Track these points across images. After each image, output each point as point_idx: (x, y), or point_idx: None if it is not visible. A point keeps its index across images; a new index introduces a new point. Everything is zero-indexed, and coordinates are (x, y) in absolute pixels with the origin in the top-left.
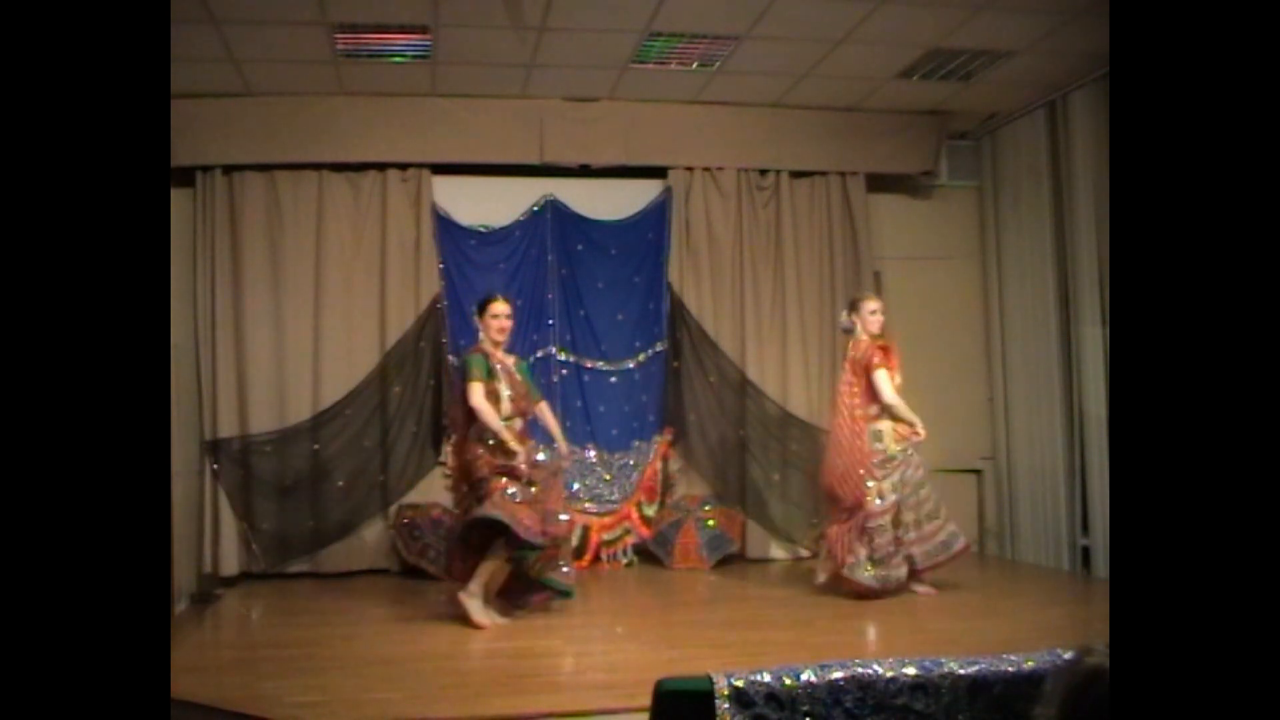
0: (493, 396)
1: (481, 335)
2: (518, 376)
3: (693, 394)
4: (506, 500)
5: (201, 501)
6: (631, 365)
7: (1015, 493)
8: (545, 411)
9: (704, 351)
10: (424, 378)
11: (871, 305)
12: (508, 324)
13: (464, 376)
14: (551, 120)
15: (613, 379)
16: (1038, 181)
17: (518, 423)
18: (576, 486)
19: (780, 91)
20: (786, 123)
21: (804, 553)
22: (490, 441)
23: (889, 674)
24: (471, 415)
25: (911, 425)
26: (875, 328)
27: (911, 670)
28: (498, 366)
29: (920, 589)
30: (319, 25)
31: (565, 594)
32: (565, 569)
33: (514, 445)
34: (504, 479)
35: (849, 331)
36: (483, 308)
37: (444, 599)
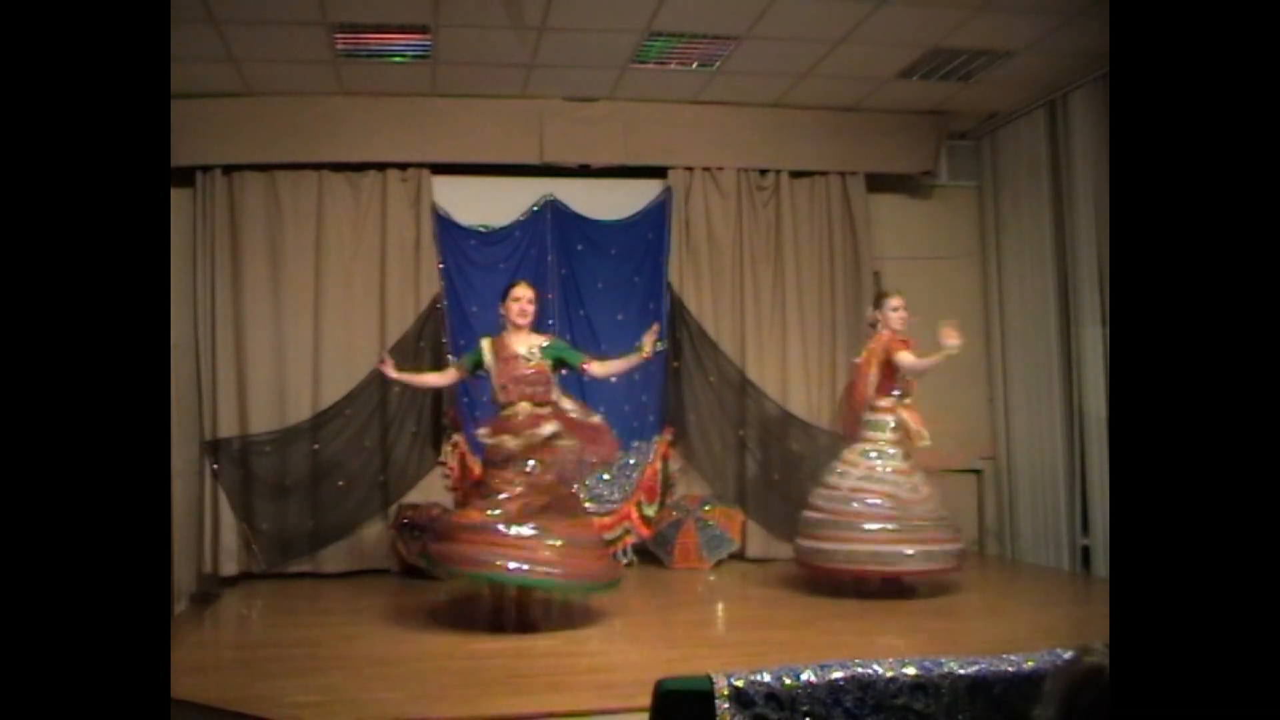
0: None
1: (502, 320)
2: (526, 363)
3: (693, 394)
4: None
5: (201, 501)
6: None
7: (1015, 493)
8: (600, 368)
9: (704, 351)
10: None
11: (894, 302)
12: (528, 307)
13: None
14: (551, 120)
15: (613, 379)
16: (1038, 181)
17: (524, 407)
18: (576, 486)
19: (780, 91)
20: (786, 123)
21: None
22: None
23: (889, 674)
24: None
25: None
26: (897, 324)
27: (911, 670)
28: (492, 357)
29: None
30: (319, 25)
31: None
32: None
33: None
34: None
35: (873, 326)
36: (506, 291)
37: (444, 599)
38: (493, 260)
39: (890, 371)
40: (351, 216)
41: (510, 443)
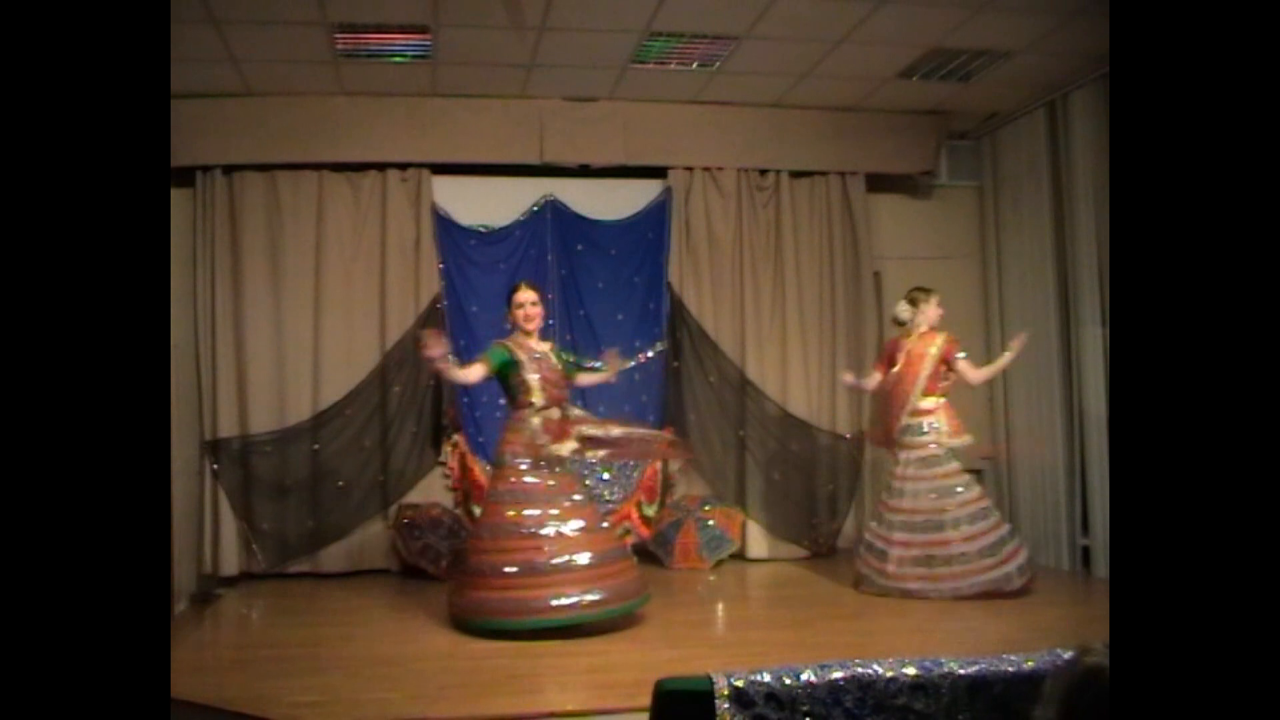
0: (522, 387)
1: (509, 325)
2: (554, 363)
3: (693, 394)
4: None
5: (201, 501)
6: (631, 365)
7: (1015, 493)
8: (589, 378)
9: (704, 351)
10: (424, 378)
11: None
12: (533, 311)
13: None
14: (551, 120)
15: (613, 380)
16: (1038, 181)
17: (555, 412)
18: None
19: (780, 91)
20: (786, 123)
21: (804, 553)
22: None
23: (889, 674)
24: (514, 403)
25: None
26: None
27: (911, 670)
28: (524, 356)
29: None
30: (319, 25)
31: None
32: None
33: (459, 374)
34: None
35: (900, 323)
36: (509, 297)
37: (444, 599)
38: (493, 260)
39: (937, 371)
40: (351, 216)
41: (563, 450)
